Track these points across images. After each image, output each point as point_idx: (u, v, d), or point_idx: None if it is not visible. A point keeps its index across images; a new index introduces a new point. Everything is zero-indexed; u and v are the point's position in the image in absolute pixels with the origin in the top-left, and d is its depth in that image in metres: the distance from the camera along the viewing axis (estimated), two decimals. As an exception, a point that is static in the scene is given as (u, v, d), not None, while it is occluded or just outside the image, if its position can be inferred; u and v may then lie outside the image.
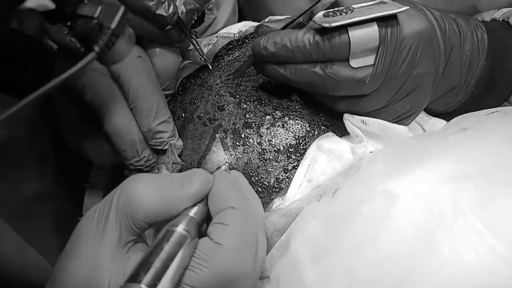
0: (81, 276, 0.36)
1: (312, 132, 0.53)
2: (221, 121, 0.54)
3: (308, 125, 0.53)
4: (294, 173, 0.51)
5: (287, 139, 0.52)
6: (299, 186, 0.49)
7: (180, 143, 0.55)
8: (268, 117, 0.53)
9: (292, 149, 0.52)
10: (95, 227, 0.37)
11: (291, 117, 0.53)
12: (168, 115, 0.54)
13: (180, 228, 0.37)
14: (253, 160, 0.52)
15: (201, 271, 0.36)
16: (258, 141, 0.53)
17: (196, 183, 0.40)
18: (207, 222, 0.41)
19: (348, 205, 0.41)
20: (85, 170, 0.69)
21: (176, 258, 0.35)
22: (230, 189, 0.41)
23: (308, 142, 0.52)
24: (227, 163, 0.52)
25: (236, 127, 0.54)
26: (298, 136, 0.53)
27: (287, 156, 0.52)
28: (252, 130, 0.53)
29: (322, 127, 0.53)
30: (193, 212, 0.39)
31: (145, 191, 0.38)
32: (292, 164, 0.51)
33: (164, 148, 0.54)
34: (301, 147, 0.52)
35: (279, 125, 0.53)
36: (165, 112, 0.53)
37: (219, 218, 0.39)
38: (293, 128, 0.53)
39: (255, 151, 0.52)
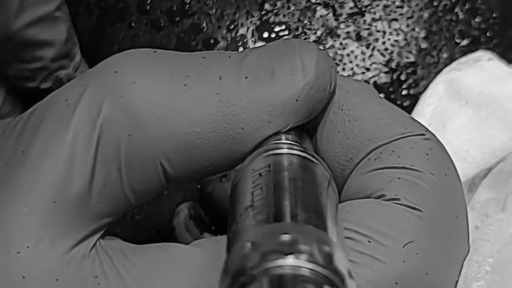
0: None
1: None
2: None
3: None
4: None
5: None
6: None
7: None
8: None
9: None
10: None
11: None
12: (57, 4, 0.28)
13: (289, 150, 0.16)
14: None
15: (376, 265, 0.16)
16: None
17: (312, 66, 0.17)
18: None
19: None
20: None
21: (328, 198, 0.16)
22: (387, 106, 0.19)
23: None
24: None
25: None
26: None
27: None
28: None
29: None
30: (288, 137, 0.17)
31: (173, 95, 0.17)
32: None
33: (43, 86, 0.28)
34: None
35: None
36: None
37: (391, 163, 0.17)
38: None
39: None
